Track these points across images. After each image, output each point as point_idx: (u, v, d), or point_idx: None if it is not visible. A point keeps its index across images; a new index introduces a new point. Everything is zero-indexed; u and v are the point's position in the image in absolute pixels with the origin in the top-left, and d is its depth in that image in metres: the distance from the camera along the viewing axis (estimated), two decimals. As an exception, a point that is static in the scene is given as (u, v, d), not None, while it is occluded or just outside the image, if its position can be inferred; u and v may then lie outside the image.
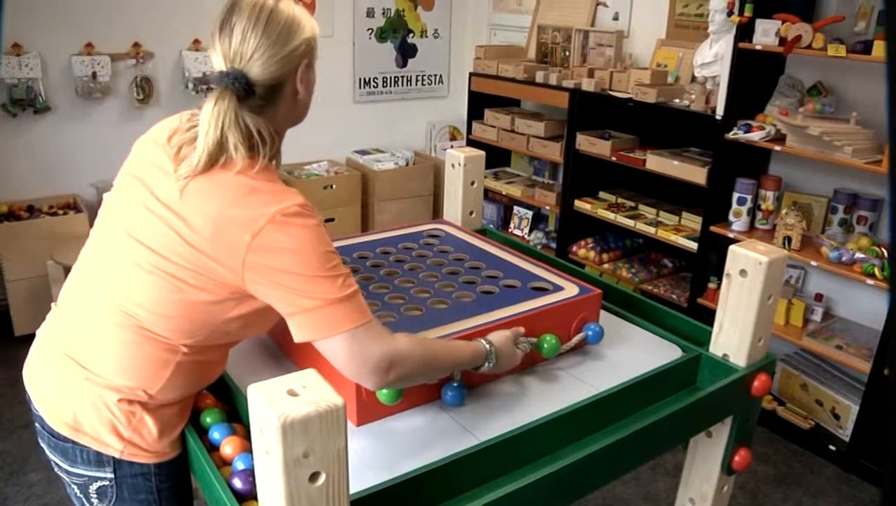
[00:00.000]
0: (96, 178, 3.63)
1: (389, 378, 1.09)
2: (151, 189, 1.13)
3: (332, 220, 4.11)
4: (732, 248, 1.44)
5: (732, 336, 1.48)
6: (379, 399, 1.25)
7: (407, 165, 4.41)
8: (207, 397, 1.37)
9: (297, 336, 1.08)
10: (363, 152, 4.50)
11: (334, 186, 4.11)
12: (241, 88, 1.09)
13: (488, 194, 4.27)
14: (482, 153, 2.25)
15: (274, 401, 0.78)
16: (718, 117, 2.82)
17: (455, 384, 1.33)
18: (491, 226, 4.21)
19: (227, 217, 1.06)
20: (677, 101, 3.06)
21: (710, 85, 2.97)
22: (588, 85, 3.35)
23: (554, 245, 3.81)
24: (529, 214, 4.10)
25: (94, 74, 3.42)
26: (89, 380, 1.15)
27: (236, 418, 1.33)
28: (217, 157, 1.09)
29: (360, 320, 1.07)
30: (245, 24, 1.09)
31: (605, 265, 3.51)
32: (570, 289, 1.57)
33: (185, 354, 1.16)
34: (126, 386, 1.14)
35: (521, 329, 1.38)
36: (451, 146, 5.07)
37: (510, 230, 4.18)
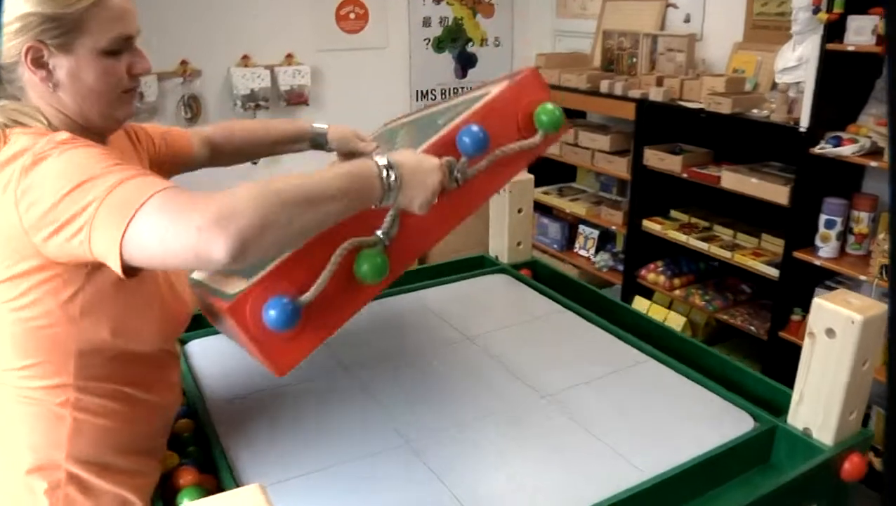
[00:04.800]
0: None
1: (233, 224, 0.82)
2: None
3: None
4: (817, 301, 1.18)
5: (816, 407, 1.21)
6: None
7: (467, 180, 4.21)
8: (188, 472, 1.20)
9: (114, 262, 0.87)
10: (421, 168, 4.31)
11: (388, 205, 3.93)
12: None
13: (552, 212, 4.02)
14: (531, 177, 2.02)
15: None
16: (803, 129, 2.50)
17: (475, 129, 1.07)
18: (555, 246, 3.97)
19: None
20: (756, 111, 2.74)
21: (792, 92, 2.64)
22: (656, 94, 3.07)
23: (622, 268, 3.54)
24: (595, 233, 3.82)
25: (140, 95, 3.35)
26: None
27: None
28: None
29: (157, 187, 0.87)
30: None
31: (677, 291, 3.21)
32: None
33: (75, 407, 1.03)
34: (35, 457, 1.04)
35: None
36: (514, 159, 4.86)
37: (575, 251, 3.91)
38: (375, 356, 1.51)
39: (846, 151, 2.38)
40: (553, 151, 3.78)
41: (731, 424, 1.28)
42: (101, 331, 1.01)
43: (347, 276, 1.03)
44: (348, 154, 1.51)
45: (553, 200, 3.88)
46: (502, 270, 1.99)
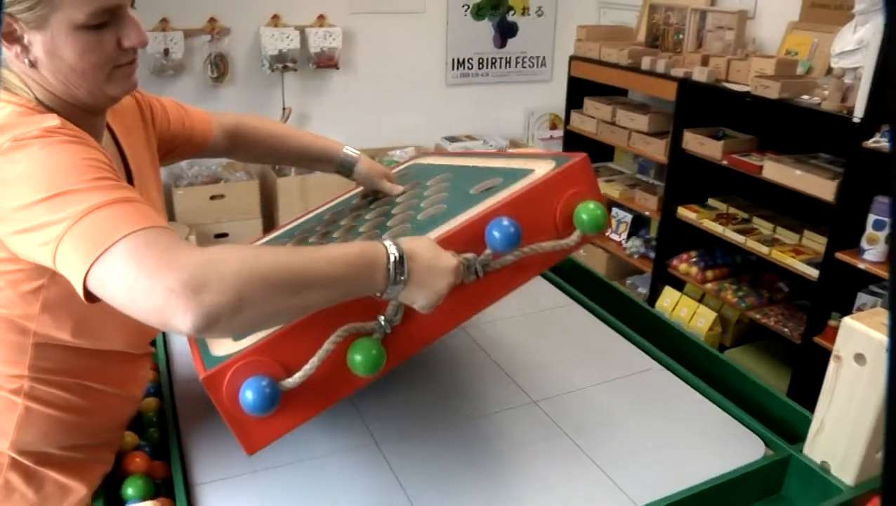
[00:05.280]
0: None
1: (205, 299, 0.72)
2: None
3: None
4: (847, 321, 1.03)
5: (837, 440, 1.07)
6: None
7: (500, 154, 4.06)
8: (139, 458, 1.12)
9: (77, 284, 0.77)
10: (453, 139, 4.18)
11: (416, 176, 3.81)
12: None
13: (585, 192, 3.85)
14: (549, 156, 1.87)
15: None
16: (856, 120, 2.30)
17: (506, 223, 0.96)
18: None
19: None
20: (806, 97, 2.54)
21: (849, 79, 2.43)
22: (700, 74, 2.87)
23: (653, 255, 3.37)
24: (629, 217, 3.65)
25: (165, 51, 3.27)
26: None
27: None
28: None
29: (136, 225, 0.76)
30: None
31: (709, 284, 3.04)
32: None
33: (29, 396, 0.97)
34: None
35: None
36: (551, 136, 4.68)
37: (607, 234, 3.75)
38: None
39: (903, 146, 2.17)
40: (589, 128, 3.61)
41: (739, 449, 1.14)
42: (61, 329, 0.94)
43: (339, 360, 0.91)
44: (372, 190, 1.42)
45: (586, 181, 3.70)
46: (513, 256, 1.86)
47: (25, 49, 0.86)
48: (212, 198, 3.40)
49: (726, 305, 2.99)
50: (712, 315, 2.97)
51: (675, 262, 3.22)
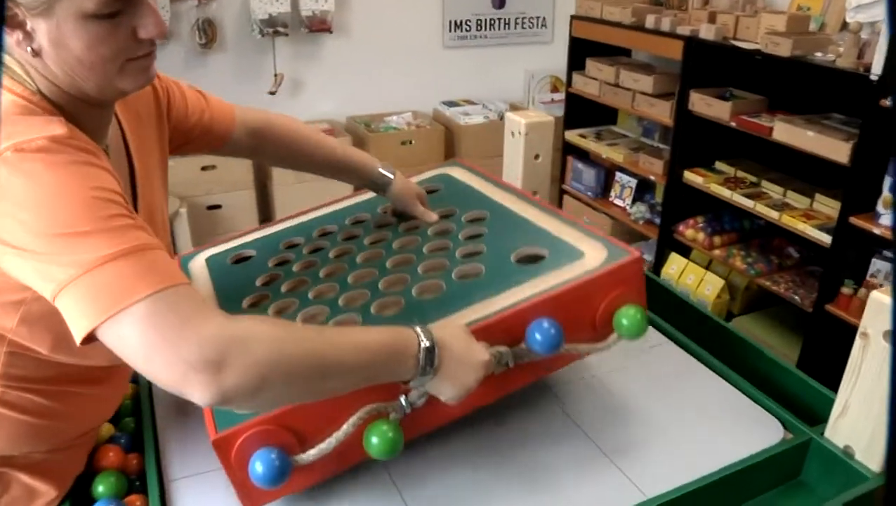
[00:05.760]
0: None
1: (226, 379, 0.69)
2: None
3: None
4: (876, 296, 0.94)
5: (863, 424, 0.99)
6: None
7: (501, 118, 3.95)
8: (110, 451, 1.05)
9: (76, 331, 0.72)
10: (451, 104, 4.06)
11: (413, 142, 3.71)
12: None
13: (589, 157, 3.76)
14: (550, 119, 1.77)
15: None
16: (874, 77, 2.19)
17: (547, 325, 0.92)
18: (589, 194, 3.73)
19: None
20: (819, 54, 2.42)
21: (866, 34, 2.32)
22: (707, 32, 2.75)
23: (658, 221, 3.28)
24: (633, 182, 3.55)
25: (151, 16, 3.15)
26: None
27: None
28: None
29: (153, 286, 0.71)
30: None
31: (717, 251, 2.95)
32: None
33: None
34: None
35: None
36: (552, 99, 4.55)
37: (610, 200, 3.66)
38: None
39: (922, 103, 2.07)
40: (592, 91, 3.49)
41: (755, 433, 1.06)
42: (38, 342, 0.87)
43: (354, 436, 0.87)
44: (403, 211, 1.33)
45: (589, 144, 3.60)
46: (512, 227, 1.77)
47: (28, 36, 0.76)
48: (203, 169, 3.30)
49: (734, 272, 2.91)
50: (720, 282, 2.88)
51: (681, 227, 3.13)
